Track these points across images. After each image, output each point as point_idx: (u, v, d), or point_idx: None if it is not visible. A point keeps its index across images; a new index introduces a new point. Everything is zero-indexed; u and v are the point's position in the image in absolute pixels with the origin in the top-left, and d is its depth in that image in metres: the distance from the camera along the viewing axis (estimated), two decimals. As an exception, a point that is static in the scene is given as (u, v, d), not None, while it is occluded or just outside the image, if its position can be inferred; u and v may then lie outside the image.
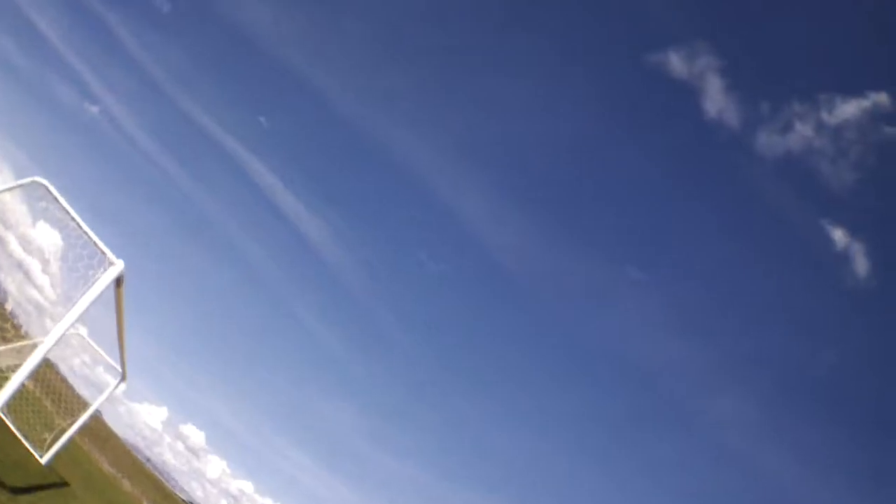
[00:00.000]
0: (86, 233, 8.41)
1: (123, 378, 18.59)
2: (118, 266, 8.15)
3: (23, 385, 8.62)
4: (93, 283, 8.69)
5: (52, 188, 8.78)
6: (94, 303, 8.92)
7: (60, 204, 8.67)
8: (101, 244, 8.26)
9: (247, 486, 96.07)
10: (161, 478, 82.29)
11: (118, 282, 8.74)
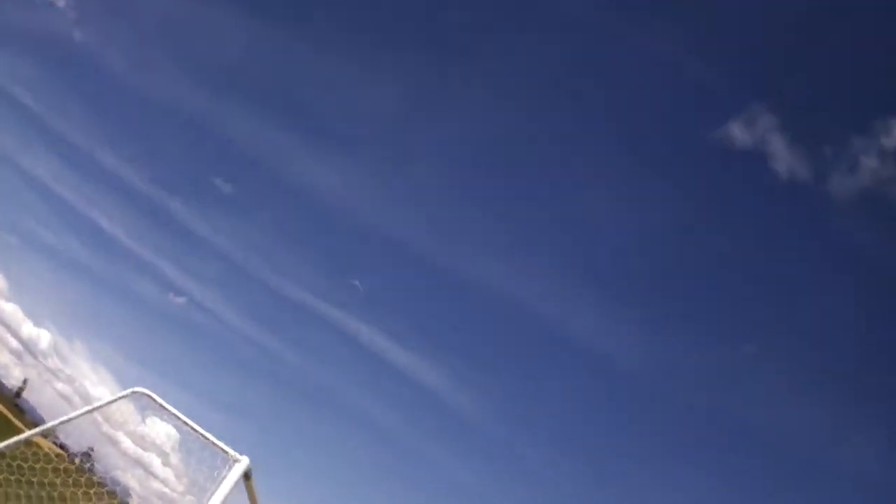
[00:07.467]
0: (201, 434, 7.65)
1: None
2: (243, 463, 7.32)
3: None
4: (220, 482, 7.89)
5: (155, 396, 8.17)
6: (226, 497, 8.14)
7: (168, 410, 8.02)
8: (219, 443, 7.47)
9: None
10: None
11: (246, 475, 7.87)
